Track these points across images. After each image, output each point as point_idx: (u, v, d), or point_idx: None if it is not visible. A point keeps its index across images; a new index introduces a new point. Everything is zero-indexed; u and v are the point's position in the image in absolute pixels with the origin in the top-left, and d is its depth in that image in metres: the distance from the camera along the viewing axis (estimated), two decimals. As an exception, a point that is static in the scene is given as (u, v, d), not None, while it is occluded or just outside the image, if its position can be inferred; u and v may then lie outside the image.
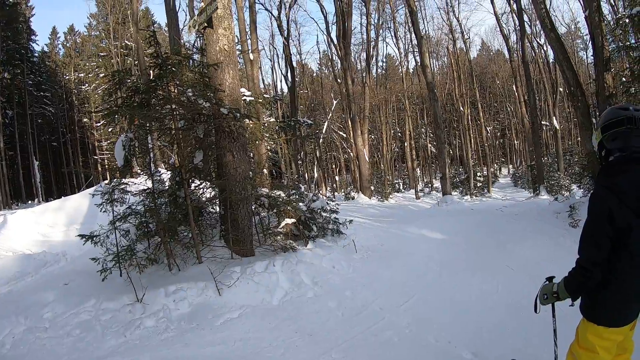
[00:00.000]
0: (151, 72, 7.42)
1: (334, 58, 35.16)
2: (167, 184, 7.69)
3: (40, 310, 5.75)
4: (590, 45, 14.65)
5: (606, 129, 2.45)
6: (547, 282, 2.72)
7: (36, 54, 46.35)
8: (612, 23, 14.03)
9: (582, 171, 14.12)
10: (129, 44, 43.08)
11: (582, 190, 13.91)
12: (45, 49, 51.33)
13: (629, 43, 9.61)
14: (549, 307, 2.77)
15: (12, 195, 34.90)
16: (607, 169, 2.45)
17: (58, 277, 7.17)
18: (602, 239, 2.30)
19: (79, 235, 6.81)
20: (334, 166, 56.97)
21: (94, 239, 6.67)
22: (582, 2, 14.12)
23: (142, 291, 6.00)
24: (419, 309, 5.66)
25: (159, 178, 7.59)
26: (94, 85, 47.83)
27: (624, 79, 10.71)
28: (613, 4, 23.35)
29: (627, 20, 9.51)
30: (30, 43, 43.79)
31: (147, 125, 7.23)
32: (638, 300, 2.43)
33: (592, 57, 12.26)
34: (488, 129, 57.53)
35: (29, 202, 33.63)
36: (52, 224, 13.08)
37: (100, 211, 7.01)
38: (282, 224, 8.28)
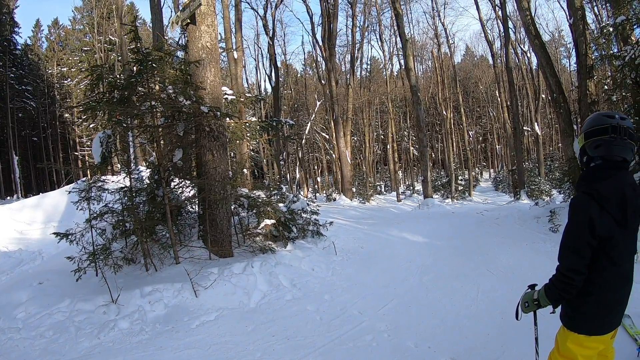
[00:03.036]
0: (134, 67, 7.29)
1: (318, 59, 35.17)
2: (146, 182, 7.57)
3: (13, 311, 5.61)
4: (573, 52, 14.84)
5: (590, 135, 2.41)
6: (529, 290, 2.69)
7: (19, 47, 45.52)
8: (596, 32, 14.20)
9: (563, 177, 14.25)
10: (113, 39, 42.56)
11: (562, 195, 14.04)
12: (29, 42, 50.40)
13: (612, 52, 9.71)
14: (530, 315, 2.74)
15: (-9, 190, 34.32)
16: (588, 175, 2.41)
17: (33, 276, 6.99)
18: (583, 247, 2.26)
19: (54, 233, 6.67)
20: (316, 167, 57.02)
21: (70, 237, 6.54)
22: (567, 10, 14.25)
23: (117, 292, 5.89)
24: (399, 314, 5.61)
25: (137, 176, 7.47)
26: (76, 80, 47.11)
27: (606, 87, 10.84)
28: (597, 13, 23.72)
29: (610, 29, 9.61)
30: (13, 35, 43.01)
31: (127, 122, 7.09)
32: (619, 308, 2.42)
33: (575, 65, 12.40)
34: (470, 133, 58.14)
35: (8, 197, 33.09)
36: (30, 221, 12.89)
37: (77, 209, 6.85)
38: (262, 224, 8.21)
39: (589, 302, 2.37)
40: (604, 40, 10.23)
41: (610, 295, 2.36)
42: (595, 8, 23.63)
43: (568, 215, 2.36)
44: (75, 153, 48.11)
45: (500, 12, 27.94)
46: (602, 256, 2.29)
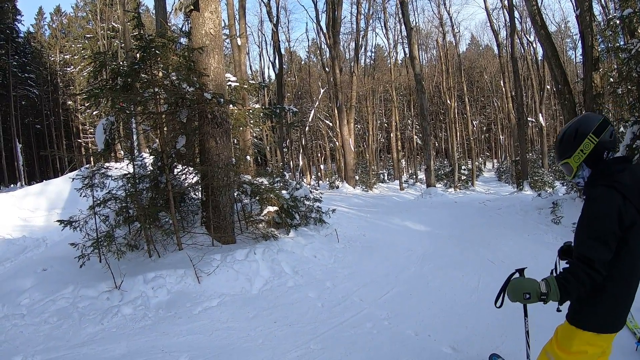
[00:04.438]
0: (137, 54, 7.28)
1: (322, 46, 35.07)
2: (149, 169, 7.59)
3: (18, 297, 5.66)
4: (579, 44, 14.76)
5: (600, 130, 2.40)
6: (519, 275, 2.60)
7: (21, 35, 45.50)
8: (602, 24, 14.07)
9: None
10: (115, 26, 42.44)
11: (565, 187, 13.98)
12: (31, 29, 50.30)
13: (618, 44, 9.64)
14: (517, 304, 2.56)
15: (-6, 178, 34.44)
16: (605, 168, 2.37)
17: (37, 262, 7.04)
18: (611, 238, 2.19)
19: (58, 221, 6.70)
20: (319, 155, 56.93)
21: (73, 224, 6.57)
22: (573, 1, 14.13)
23: (121, 278, 5.93)
24: (400, 302, 5.64)
25: (140, 162, 7.49)
26: (79, 67, 47.07)
27: (611, 79, 10.74)
28: (604, 4, 23.46)
29: (617, 22, 9.54)
30: (16, 23, 42.98)
31: (130, 108, 7.10)
32: (629, 304, 2.36)
33: (581, 57, 12.32)
34: (474, 123, 57.90)
35: (12, 185, 33.18)
36: (33, 208, 12.94)
37: (81, 196, 6.88)
38: (265, 211, 8.23)
39: (603, 297, 2.30)
40: (610, 33, 10.16)
41: (625, 290, 2.31)
42: (602, 0, 23.42)
43: (587, 207, 2.29)
44: (79, 140, 48.20)
45: (506, 2, 27.78)
46: (623, 248, 2.24)
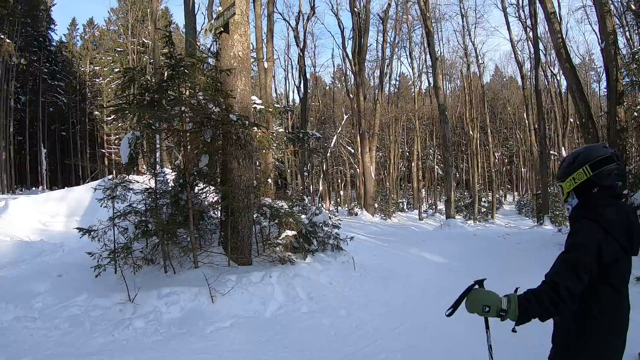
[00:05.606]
0: (165, 72, 7.40)
1: (347, 73, 35.36)
2: (170, 185, 7.65)
3: (31, 300, 5.72)
4: (604, 77, 14.62)
5: (598, 165, 2.33)
6: (478, 287, 2.42)
7: (54, 43, 46.97)
8: (627, 57, 14.00)
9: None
10: (145, 41, 43.33)
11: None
12: (63, 39, 51.83)
13: (643, 78, 9.57)
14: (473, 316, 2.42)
15: (16, 180, 35.09)
16: (591, 202, 2.31)
17: (53, 267, 7.13)
18: (584, 273, 2.10)
19: (77, 229, 6.79)
20: (339, 180, 56.87)
21: (92, 233, 6.65)
22: (598, 34, 14.08)
23: (135, 291, 5.94)
24: (414, 335, 5.54)
25: (162, 178, 7.56)
26: (107, 79, 48.07)
27: (635, 113, 10.63)
28: (629, 37, 23.28)
29: (643, 56, 9.46)
30: (49, 32, 44.41)
31: (156, 124, 7.19)
32: (623, 335, 2.25)
33: (605, 90, 12.21)
34: (496, 154, 57.47)
35: (33, 188, 33.78)
36: (54, 213, 13.08)
37: (101, 206, 6.97)
38: (283, 235, 8.21)
39: (589, 343, 2.21)
40: (635, 67, 10.08)
41: (611, 331, 2.21)
42: (627, 32, 23.22)
43: (568, 240, 2.23)
44: (102, 150, 48.97)
45: (531, 34, 27.74)
46: (602, 284, 2.17)
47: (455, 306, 2.44)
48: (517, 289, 2.34)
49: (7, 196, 19.05)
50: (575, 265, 2.12)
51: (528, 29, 29.05)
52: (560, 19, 24.33)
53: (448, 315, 2.43)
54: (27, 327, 5.16)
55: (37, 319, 5.34)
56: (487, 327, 2.56)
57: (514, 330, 2.28)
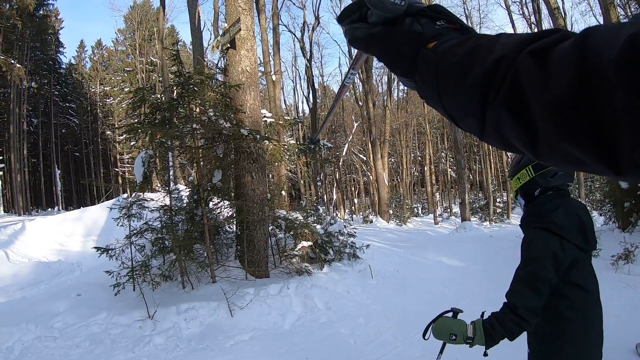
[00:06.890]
0: (175, 90, 7.49)
1: (355, 80, 35.31)
2: (185, 201, 7.72)
3: (51, 320, 5.78)
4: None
5: (542, 166, 2.27)
6: (451, 316, 2.42)
7: (63, 66, 47.61)
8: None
9: (604, 198, 13.84)
10: (154, 60, 43.85)
11: (603, 217, 13.58)
12: (73, 61, 52.54)
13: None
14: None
15: (32, 201, 35.52)
16: (537, 208, 2.28)
17: (71, 287, 7.21)
18: (543, 286, 2.07)
19: (95, 248, 6.87)
20: (353, 189, 56.76)
21: (109, 252, 6.73)
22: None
23: (154, 308, 5.99)
24: (434, 341, 5.50)
25: (177, 195, 7.62)
26: (118, 99, 48.69)
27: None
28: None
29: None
30: (58, 55, 45.04)
31: (168, 142, 7.27)
32: (598, 338, 2.23)
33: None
34: (509, 154, 56.97)
35: (49, 209, 34.17)
36: (70, 233, 13.23)
37: (117, 225, 7.05)
38: (299, 246, 8.23)
39: (566, 329, 2.18)
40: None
41: (588, 319, 2.18)
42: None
43: (522, 251, 2.20)
44: (116, 169, 49.49)
45: (535, 30, 27.61)
46: (569, 288, 2.15)
47: (427, 330, 2.42)
48: (483, 312, 2.34)
49: (24, 218, 19.30)
50: (532, 281, 2.10)
51: (533, 25, 28.90)
52: (565, 12, 24.21)
53: (426, 339, 2.42)
54: (48, 346, 5.22)
55: (58, 338, 5.40)
56: (441, 352, 2.63)
57: (485, 354, 2.29)
